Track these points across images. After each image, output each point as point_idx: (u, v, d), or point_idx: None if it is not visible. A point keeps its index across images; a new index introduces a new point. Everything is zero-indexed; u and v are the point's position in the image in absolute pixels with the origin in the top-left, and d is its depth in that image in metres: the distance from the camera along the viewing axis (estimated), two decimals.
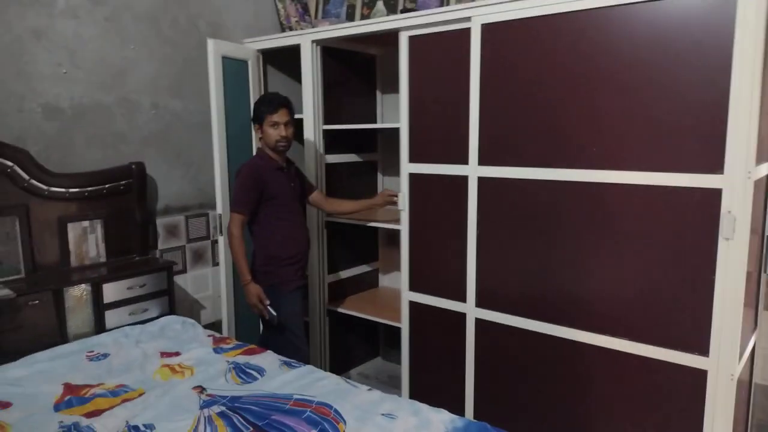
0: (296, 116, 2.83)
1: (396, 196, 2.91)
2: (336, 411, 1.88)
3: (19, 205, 2.63)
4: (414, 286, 2.87)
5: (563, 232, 2.35)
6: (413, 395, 2.89)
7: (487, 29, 2.44)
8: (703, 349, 2.06)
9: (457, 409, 2.68)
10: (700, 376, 2.08)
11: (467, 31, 2.49)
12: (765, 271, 2.48)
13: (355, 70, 3.55)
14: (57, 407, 1.96)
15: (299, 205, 2.89)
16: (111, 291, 2.72)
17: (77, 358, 2.36)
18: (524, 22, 2.33)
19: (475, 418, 2.64)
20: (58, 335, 2.55)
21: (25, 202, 2.66)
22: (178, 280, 3.29)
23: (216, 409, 1.92)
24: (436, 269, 2.78)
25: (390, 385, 3.54)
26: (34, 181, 2.67)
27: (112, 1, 2.97)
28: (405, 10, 3.08)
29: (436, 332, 2.81)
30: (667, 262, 2.11)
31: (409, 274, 2.88)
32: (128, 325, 2.71)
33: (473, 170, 2.56)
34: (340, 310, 3.40)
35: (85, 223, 2.87)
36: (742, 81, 1.88)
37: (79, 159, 2.91)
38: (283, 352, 2.49)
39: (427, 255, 2.80)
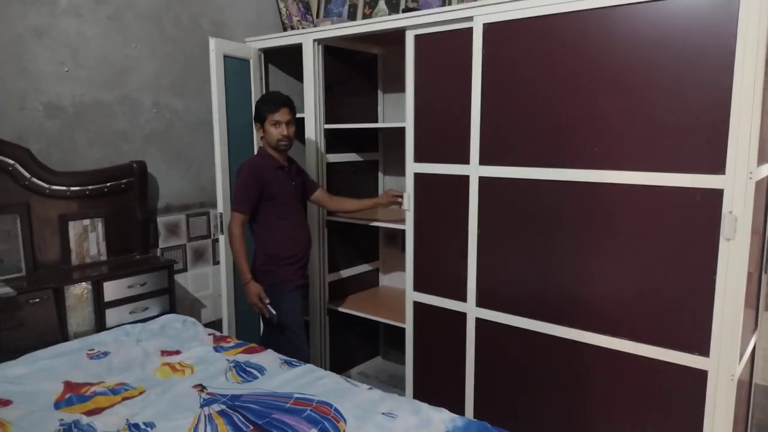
0: (298, 115, 2.83)
1: (400, 196, 2.90)
2: (336, 410, 1.88)
3: (20, 203, 2.64)
4: (418, 287, 2.86)
5: (564, 232, 2.35)
6: (416, 395, 2.89)
7: (489, 29, 2.44)
8: (703, 350, 2.06)
9: (458, 408, 2.68)
10: (701, 376, 2.08)
11: (469, 30, 2.49)
12: (766, 272, 2.48)
13: (357, 69, 3.55)
14: (57, 405, 1.96)
15: (300, 205, 2.89)
16: (112, 289, 2.73)
17: (78, 357, 2.36)
18: (526, 22, 2.33)
19: (475, 417, 2.64)
20: (59, 333, 2.55)
21: (26, 200, 2.66)
22: (179, 278, 3.30)
23: (216, 407, 1.92)
24: (439, 269, 2.78)
25: (390, 384, 3.54)
26: (35, 180, 2.67)
27: None
28: (407, 10, 3.08)
29: (438, 332, 2.81)
30: (668, 263, 2.11)
31: (414, 275, 2.87)
32: (129, 323, 2.72)
33: (474, 170, 2.56)
34: (340, 309, 3.40)
35: (86, 222, 2.87)
36: (744, 81, 1.88)
37: (80, 157, 2.91)
38: (284, 352, 2.49)
39: (432, 255, 2.80)
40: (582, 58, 2.21)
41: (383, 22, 2.80)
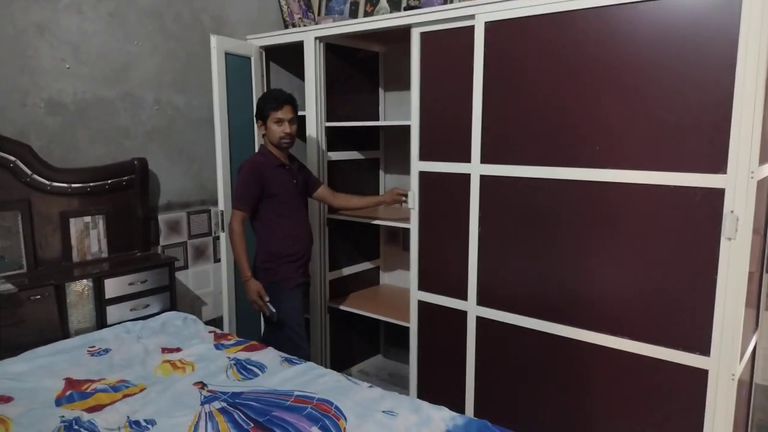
0: (299, 113, 2.82)
1: (405, 195, 2.90)
2: (337, 408, 1.88)
3: (22, 200, 2.64)
4: (422, 286, 2.86)
5: (565, 231, 2.35)
6: (419, 394, 2.89)
7: (491, 27, 2.43)
8: (704, 349, 2.06)
9: (458, 407, 2.68)
10: (701, 375, 2.08)
11: (471, 28, 2.48)
12: (767, 272, 2.48)
13: (358, 67, 3.55)
14: (58, 402, 1.96)
15: (302, 202, 2.89)
16: (112, 286, 2.73)
17: (78, 353, 2.36)
18: (527, 21, 2.33)
19: (475, 416, 2.64)
20: (60, 330, 2.55)
21: (28, 197, 2.66)
22: (180, 276, 3.30)
23: (217, 405, 1.93)
24: (441, 268, 2.78)
25: (390, 382, 3.55)
26: (36, 176, 2.67)
27: None
28: (409, 8, 3.08)
29: (439, 331, 2.81)
30: (669, 262, 2.11)
31: (418, 274, 2.86)
32: (130, 320, 2.72)
33: (475, 168, 2.56)
34: (341, 307, 3.40)
35: (87, 219, 2.87)
36: (746, 80, 1.88)
37: (81, 154, 2.91)
38: (284, 349, 2.49)
39: (435, 254, 2.80)
40: (583, 57, 2.21)
41: (388, 19, 2.79)
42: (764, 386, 2.61)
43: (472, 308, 2.66)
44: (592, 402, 2.36)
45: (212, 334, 2.61)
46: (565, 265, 2.36)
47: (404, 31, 2.78)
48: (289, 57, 3.51)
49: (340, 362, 3.56)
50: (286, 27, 3.64)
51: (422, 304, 2.86)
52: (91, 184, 2.86)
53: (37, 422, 1.80)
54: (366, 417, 1.83)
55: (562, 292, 2.38)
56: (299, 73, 3.37)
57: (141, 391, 2.04)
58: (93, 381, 2.11)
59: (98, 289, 2.68)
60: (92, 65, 2.92)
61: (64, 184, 2.77)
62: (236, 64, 3.17)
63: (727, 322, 2.01)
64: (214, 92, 3.03)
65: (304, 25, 3.57)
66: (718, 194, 1.97)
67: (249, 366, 2.26)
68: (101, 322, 2.69)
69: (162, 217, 3.25)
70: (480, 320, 2.64)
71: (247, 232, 2.75)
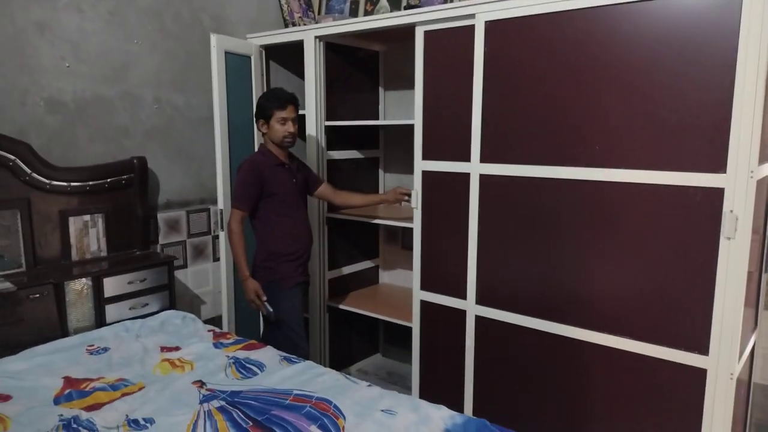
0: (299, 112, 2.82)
1: (408, 194, 2.90)
2: (336, 406, 1.88)
3: (21, 199, 2.63)
4: (425, 285, 2.85)
5: (564, 230, 2.35)
6: (421, 394, 2.89)
7: (491, 26, 2.43)
8: (703, 348, 2.06)
9: (458, 406, 2.69)
10: (700, 374, 2.08)
11: (471, 27, 2.48)
12: (766, 271, 2.48)
13: (358, 66, 3.55)
14: (57, 400, 1.96)
15: (302, 201, 2.89)
16: (111, 285, 2.73)
17: (77, 352, 2.36)
18: (527, 20, 2.33)
19: (474, 415, 2.64)
20: (59, 329, 2.55)
21: (27, 196, 2.66)
22: (179, 275, 3.30)
23: (216, 403, 1.93)
24: (442, 267, 2.77)
25: (389, 381, 3.55)
26: (35, 175, 2.67)
27: None
28: (409, 6, 3.07)
29: (440, 330, 2.81)
30: (668, 261, 2.11)
31: (421, 273, 2.86)
32: (128, 319, 2.72)
33: (475, 167, 2.56)
34: (340, 306, 3.40)
35: (87, 217, 2.87)
36: (745, 80, 1.88)
37: (81, 153, 2.91)
38: (283, 348, 2.49)
39: (436, 253, 2.79)
40: (583, 56, 2.21)
41: (392, 18, 2.79)
42: (763, 385, 2.61)
43: (471, 307, 2.66)
44: (590, 401, 2.36)
45: (211, 333, 2.61)
46: (564, 264, 2.36)
47: (404, 30, 2.78)
48: (288, 56, 3.50)
49: (339, 361, 3.56)
50: (286, 26, 3.64)
51: (424, 304, 2.86)
52: (91, 182, 2.86)
53: (36, 421, 1.80)
54: (365, 416, 1.83)
55: (561, 291, 2.38)
56: (299, 72, 3.37)
57: (140, 389, 2.04)
58: (92, 380, 2.11)
59: (97, 288, 2.68)
60: (92, 64, 2.92)
61: (64, 183, 2.76)
62: (236, 63, 3.16)
63: (726, 321, 2.01)
64: (213, 91, 3.03)
65: (304, 24, 3.57)
66: (718, 194, 1.97)
67: (248, 365, 2.26)
68: (100, 321, 2.69)
69: (161, 216, 3.25)
70: (479, 319, 2.64)
71: (247, 232, 2.75)
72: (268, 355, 2.36)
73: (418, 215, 2.81)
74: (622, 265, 2.21)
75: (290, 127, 2.71)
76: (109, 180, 2.92)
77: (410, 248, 2.90)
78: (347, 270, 3.62)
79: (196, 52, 3.33)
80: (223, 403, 1.93)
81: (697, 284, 2.05)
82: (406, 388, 3.27)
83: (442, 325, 2.79)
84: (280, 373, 2.17)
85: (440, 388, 2.84)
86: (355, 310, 3.35)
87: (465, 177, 2.59)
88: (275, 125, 2.70)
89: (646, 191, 2.12)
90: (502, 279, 2.55)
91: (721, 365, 2.03)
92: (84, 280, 2.65)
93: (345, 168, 3.52)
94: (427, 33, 2.66)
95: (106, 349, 2.40)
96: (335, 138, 3.42)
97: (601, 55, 2.17)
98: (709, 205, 2.00)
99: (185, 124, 3.34)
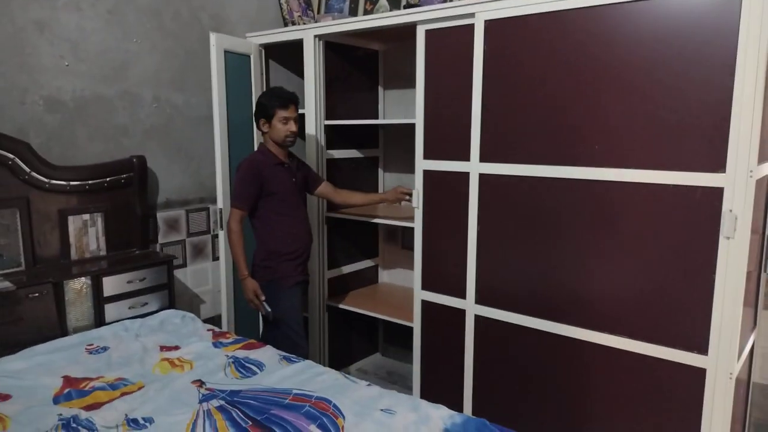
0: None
1: (409, 193, 2.89)
2: (335, 406, 1.88)
3: (20, 198, 2.63)
4: (426, 285, 2.85)
5: (563, 230, 2.35)
6: (422, 394, 2.89)
7: (490, 25, 2.43)
8: (702, 348, 2.06)
9: (458, 405, 2.69)
10: (699, 374, 2.08)
11: (471, 27, 2.48)
12: (765, 271, 2.48)
13: (357, 65, 3.55)
14: (56, 400, 1.96)
15: (302, 201, 2.89)
16: (111, 284, 2.72)
17: (77, 351, 2.36)
18: (527, 19, 2.33)
19: (474, 414, 2.64)
20: (58, 328, 2.54)
21: (26, 195, 2.65)
22: (178, 274, 3.30)
23: (215, 403, 1.93)
24: (442, 267, 2.77)
25: (389, 381, 3.55)
26: (35, 174, 2.66)
27: None
28: (408, 6, 3.07)
29: (440, 330, 2.81)
30: (668, 260, 2.11)
31: (422, 273, 2.85)
32: (128, 318, 2.72)
33: (474, 167, 2.56)
34: (340, 305, 3.40)
35: (86, 216, 2.87)
36: (745, 80, 1.88)
37: (80, 152, 2.90)
38: (282, 348, 2.49)
39: (437, 253, 2.79)
40: (583, 56, 2.21)
41: (394, 17, 2.78)
42: (762, 385, 2.61)
43: (470, 307, 2.66)
44: (589, 400, 2.36)
45: (211, 332, 2.61)
46: (563, 263, 2.36)
47: (404, 30, 2.78)
48: (288, 55, 3.50)
49: (339, 361, 3.56)
50: (286, 25, 3.63)
51: (425, 304, 2.85)
52: (90, 181, 2.86)
53: (35, 420, 1.80)
54: (364, 415, 1.83)
55: (561, 290, 2.38)
56: (298, 71, 3.36)
57: (139, 389, 2.04)
58: (91, 379, 2.11)
59: (96, 287, 2.68)
60: (91, 63, 2.92)
61: (63, 182, 2.76)
62: (235, 62, 3.16)
63: (725, 321, 2.01)
64: (213, 90, 3.03)
65: (304, 23, 3.57)
66: (717, 193, 1.97)
67: (247, 364, 2.26)
68: (99, 320, 2.69)
69: (161, 215, 3.25)
70: (478, 319, 2.64)
71: (247, 231, 2.75)
72: (267, 354, 2.36)
73: (419, 215, 2.81)
74: (622, 265, 2.21)
75: (292, 127, 2.71)
76: (108, 179, 2.92)
77: (410, 248, 2.90)
78: (347, 269, 3.62)
79: (195, 51, 3.33)
80: (222, 402, 1.93)
81: (697, 284, 2.05)
82: (405, 388, 3.27)
83: (443, 325, 2.79)
84: (279, 372, 2.17)
85: (441, 388, 2.84)
86: (354, 309, 3.35)
87: (465, 176, 2.59)
88: (277, 125, 2.70)
89: (645, 191, 2.12)
90: (501, 278, 2.55)
91: (720, 365, 2.03)
92: (83, 279, 2.64)
93: (344, 167, 3.52)
94: (428, 32, 2.66)
95: (105, 349, 2.40)
96: (335, 137, 3.41)
97: (601, 55, 2.17)
98: (708, 204, 2.00)
99: (184, 123, 3.34)
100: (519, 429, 1.91)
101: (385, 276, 3.88)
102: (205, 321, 2.91)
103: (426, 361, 2.90)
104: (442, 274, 2.76)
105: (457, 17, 2.53)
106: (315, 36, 3.15)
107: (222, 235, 3.10)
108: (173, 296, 2.98)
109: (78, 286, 2.62)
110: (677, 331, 2.11)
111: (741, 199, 1.93)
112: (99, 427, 1.77)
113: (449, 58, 2.60)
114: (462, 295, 2.68)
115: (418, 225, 2.82)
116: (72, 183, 2.79)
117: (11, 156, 2.59)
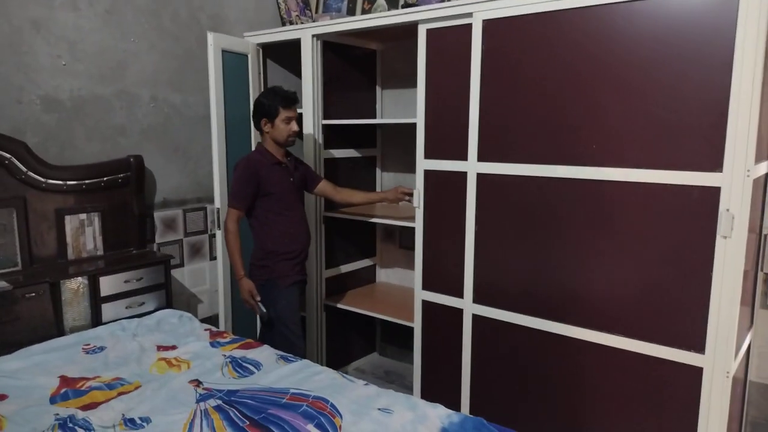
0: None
1: (409, 193, 2.88)
2: (332, 405, 1.88)
3: (17, 197, 2.63)
4: (426, 285, 2.84)
5: (561, 229, 2.35)
6: (422, 393, 2.88)
7: (489, 25, 2.43)
8: (699, 347, 2.07)
9: (456, 404, 2.69)
10: (696, 373, 2.08)
11: (469, 26, 2.48)
12: (762, 270, 2.49)
13: (355, 65, 3.54)
14: (53, 400, 1.96)
15: (300, 200, 2.88)
16: (108, 284, 2.72)
17: (73, 351, 2.35)
18: (525, 19, 2.33)
19: (472, 413, 2.64)
20: (55, 328, 2.54)
21: (23, 194, 2.65)
22: (175, 273, 3.29)
23: (212, 402, 1.92)
24: (441, 266, 2.77)
25: (386, 380, 3.55)
26: (31, 173, 2.66)
27: None
28: (407, 5, 3.07)
29: (439, 329, 2.81)
30: (665, 260, 2.11)
31: (423, 273, 2.84)
32: (125, 318, 2.71)
33: (472, 166, 2.56)
34: (337, 305, 3.40)
35: (83, 216, 2.86)
36: (742, 79, 1.88)
37: (77, 151, 2.90)
38: (279, 347, 2.49)
39: (437, 252, 2.78)
40: (581, 55, 2.21)
41: (392, 16, 2.78)
42: (759, 383, 2.62)
43: (468, 306, 2.66)
44: (587, 399, 2.37)
45: (208, 332, 2.60)
46: (561, 262, 2.36)
47: (402, 29, 2.78)
48: (286, 54, 3.50)
49: (336, 360, 3.55)
50: (284, 24, 3.63)
51: (426, 304, 2.85)
52: (87, 181, 2.85)
53: (32, 420, 1.80)
54: (362, 414, 1.83)
55: (558, 289, 2.38)
56: (296, 70, 3.36)
57: (136, 388, 2.04)
58: (88, 379, 2.11)
59: (93, 287, 2.67)
60: (88, 62, 2.91)
61: (60, 182, 2.76)
62: (233, 62, 3.16)
63: (722, 319, 2.01)
64: (210, 90, 3.03)
65: (302, 23, 3.57)
66: (714, 192, 1.98)
67: (244, 364, 2.25)
68: (96, 320, 2.68)
69: (158, 215, 3.24)
70: (476, 318, 2.64)
71: (245, 231, 2.74)
72: (264, 354, 2.35)
73: (420, 215, 2.80)
74: (619, 264, 2.22)
75: (295, 126, 2.71)
76: (105, 179, 2.92)
77: (407, 247, 2.90)
78: (344, 269, 3.62)
79: (193, 51, 3.32)
80: (219, 402, 1.93)
81: (694, 283, 2.06)
82: (403, 387, 3.27)
83: (442, 325, 2.79)
84: (276, 372, 2.17)
85: (441, 387, 2.83)
86: (352, 309, 3.35)
87: (462, 176, 2.59)
88: (280, 125, 2.69)
89: (643, 190, 2.12)
90: (498, 277, 2.55)
91: (717, 363, 2.04)
92: (80, 279, 2.64)
93: (342, 166, 3.51)
94: (429, 31, 2.65)
95: (102, 348, 2.39)
96: (332, 136, 3.41)
97: (599, 54, 2.17)
98: (705, 203, 2.00)
99: (182, 122, 3.33)
100: (516, 427, 1.91)
101: (382, 275, 3.88)
102: (203, 321, 2.90)
103: (426, 361, 2.90)
104: (442, 273, 2.76)
105: (455, 17, 2.53)
106: (313, 35, 3.15)
107: (219, 234, 3.09)
108: (170, 296, 2.98)
109: (75, 285, 2.62)
110: (674, 329, 2.12)
111: (738, 198, 1.93)
112: (96, 427, 1.77)
113: (449, 58, 2.60)
114: (460, 294, 2.68)
115: (419, 225, 2.82)
116: (69, 182, 2.79)
117: (8, 155, 2.58)
